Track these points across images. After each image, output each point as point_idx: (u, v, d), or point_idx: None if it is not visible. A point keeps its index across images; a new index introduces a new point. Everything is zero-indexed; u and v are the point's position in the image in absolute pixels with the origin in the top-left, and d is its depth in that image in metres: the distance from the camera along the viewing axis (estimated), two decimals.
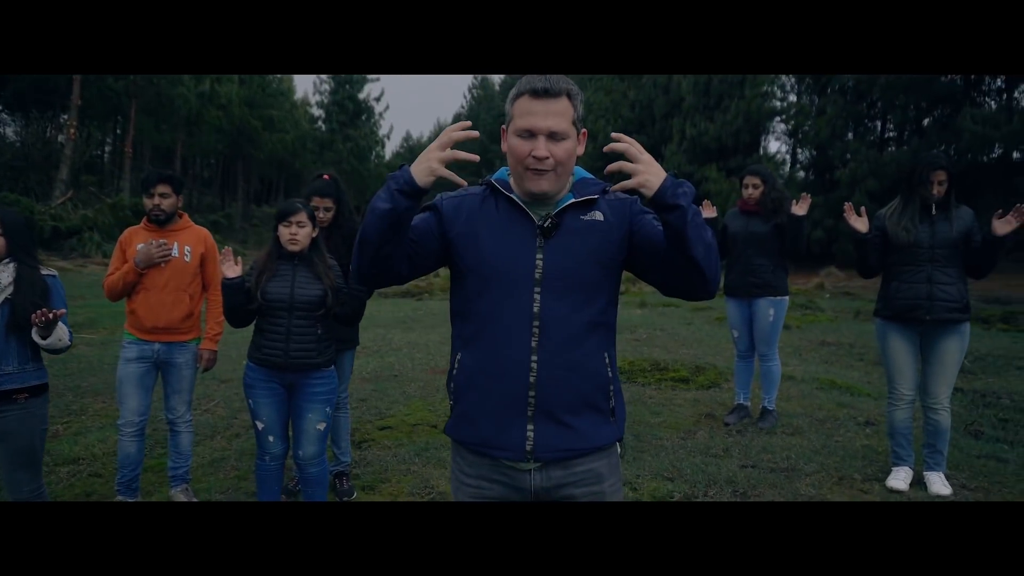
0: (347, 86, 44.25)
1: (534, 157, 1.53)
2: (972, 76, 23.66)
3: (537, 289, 1.57)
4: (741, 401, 5.09)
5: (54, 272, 2.88)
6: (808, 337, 9.66)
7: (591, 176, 1.71)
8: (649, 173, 1.43)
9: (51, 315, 2.57)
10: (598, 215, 1.62)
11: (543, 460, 1.59)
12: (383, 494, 3.80)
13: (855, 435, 4.73)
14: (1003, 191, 22.49)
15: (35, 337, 2.66)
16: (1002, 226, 3.46)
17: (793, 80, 29.63)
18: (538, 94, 1.52)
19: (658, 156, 31.21)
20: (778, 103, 29.83)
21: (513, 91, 1.59)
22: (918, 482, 3.78)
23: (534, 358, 1.56)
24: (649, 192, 1.44)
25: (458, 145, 1.49)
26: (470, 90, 57.21)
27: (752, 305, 4.90)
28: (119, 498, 3.50)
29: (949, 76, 23.61)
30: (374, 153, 46.55)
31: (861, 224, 3.78)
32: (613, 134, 1.49)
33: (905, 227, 3.64)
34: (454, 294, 1.70)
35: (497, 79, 53.76)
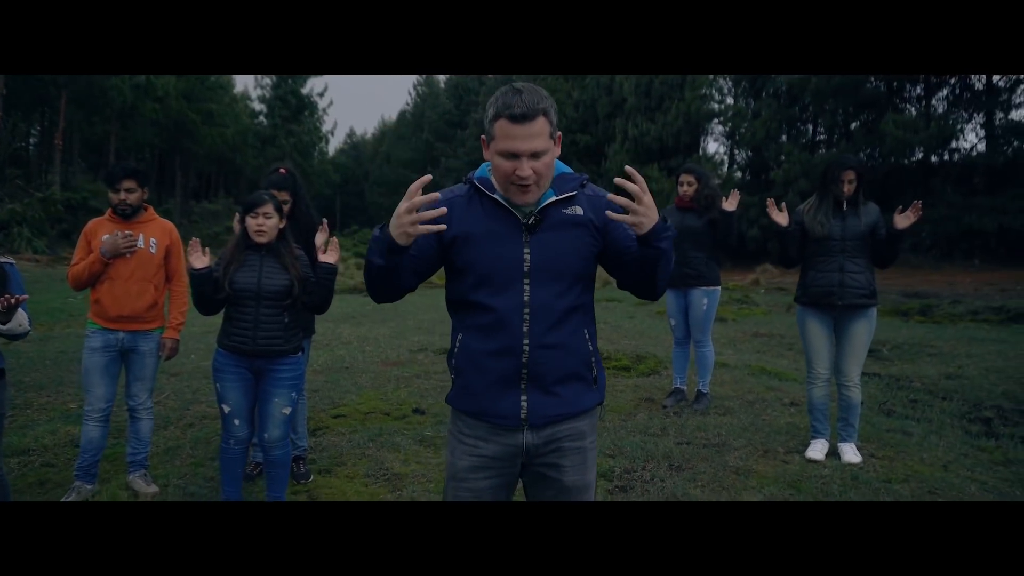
0: (289, 81, 43.53)
1: (518, 176, 1.68)
2: (895, 83, 24.97)
3: (526, 281, 1.75)
4: (678, 385, 5.45)
5: (11, 260, 2.93)
6: (743, 329, 10.17)
7: (570, 171, 1.87)
8: (646, 217, 1.64)
9: (12, 300, 2.66)
10: (578, 210, 1.79)
11: (535, 425, 1.80)
12: (339, 477, 3.96)
13: (780, 414, 5.14)
14: (923, 191, 23.88)
15: None
16: (902, 220, 3.89)
17: (730, 83, 30.66)
18: (516, 119, 1.64)
19: (601, 155, 31.89)
20: (716, 105, 30.83)
21: (491, 109, 1.70)
22: (833, 453, 4.18)
23: (525, 341, 1.74)
24: (640, 232, 1.65)
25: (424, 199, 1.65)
26: (415, 87, 56.86)
27: (687, 295, 5.26)
28: (76, 483, 3.56)
29: (873, 82, 24.87)
30: (318, 149, 45.95)
31: (782, 218, 4.15)
32: (627, 168, 1.64)
33: (820, 221, 4.03)
34: (451, 287, 1.87)
35: (442, 77, 53.69)
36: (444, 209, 1.63)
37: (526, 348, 1.75)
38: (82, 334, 3.71)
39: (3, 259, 2.86)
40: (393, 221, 1.64)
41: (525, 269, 1.75)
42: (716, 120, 31.25)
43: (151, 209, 3.70)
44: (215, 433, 4.44)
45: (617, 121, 31.41)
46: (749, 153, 30.97)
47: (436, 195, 1.68)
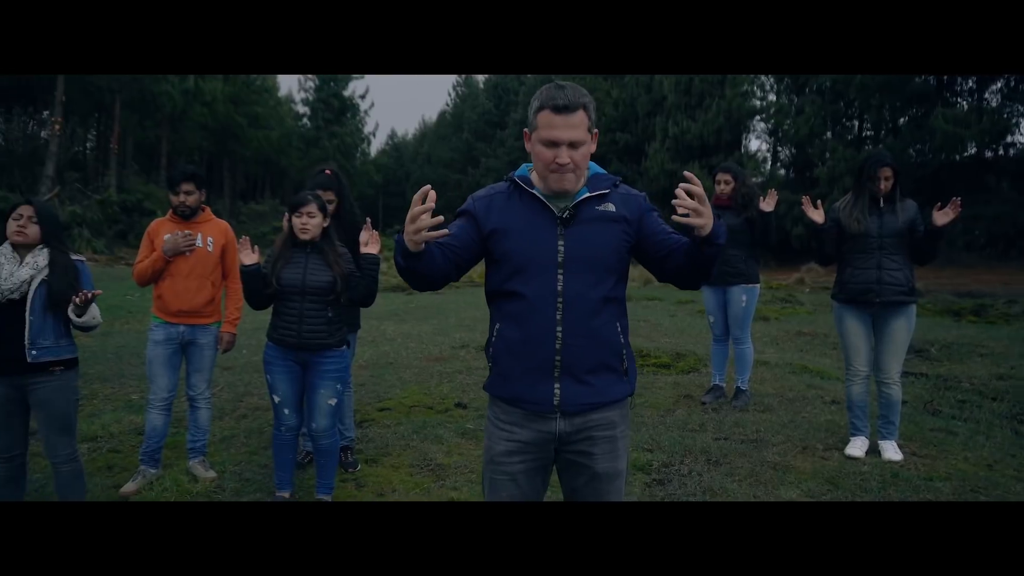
0: (332, 83, 44.29)
1: (557, 163, 1.81)
2: (945, 77, 24.29)
3: (560, 271, 1.84)
4: (717, 382, 5.49)
5: (83, 258, 3.17)
6: (786, 328, 10.07)
7: (604, 172, 1.98)
8: (707, 219, 1.72)
9: (89, 295, 2.89)
10: (610, 206, 1.90)
11: (567, 412, 1.90)
12: (385, 466, 4.12)
13: (821, 411, 5.13)
14: (975, 187, 23.18)
15: (70, 315, 2.94)
16: (941, 217, 3.86)
17: (772, 80, 30.18)
18: (559, 110, 1.79)
19: (641, 154, 31.70)
20: (758, 102, 30.38)
21: (535, 102, 1.85)
22: (874, 451, 4.18)
23: (559, 329, 1.84)
24: (702, 234, 1.73)
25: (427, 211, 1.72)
26: (454, 87, 57.27)
27: (726, 292, 5.28)
28: (142, 467, 3.79)
29: (922, 76, 24.23)
30: (359, 150, 46.66)
31: (818, 216, 4.17)
32: (687, 174, 1.75)
33: (856, 218, 4.03)
34: (490, 278, 1.97)
35: (481, 77, 53.97)
36: (441, 218, 1.72)
37: (559, 335, 1.84)
38: (140, 330, 3.95)
39: (76, 257, 3.09)
40: (405, 231, 1.77)
41: (559, 259, 1.85)
42: (758, 117, 30.79)
43: (208, 210, 3.91)
44: (267, 424, 4.64)
45: (657, 119, 31.19)
46: (792, 150, 30.45)
47: (432, 203, 1.74)
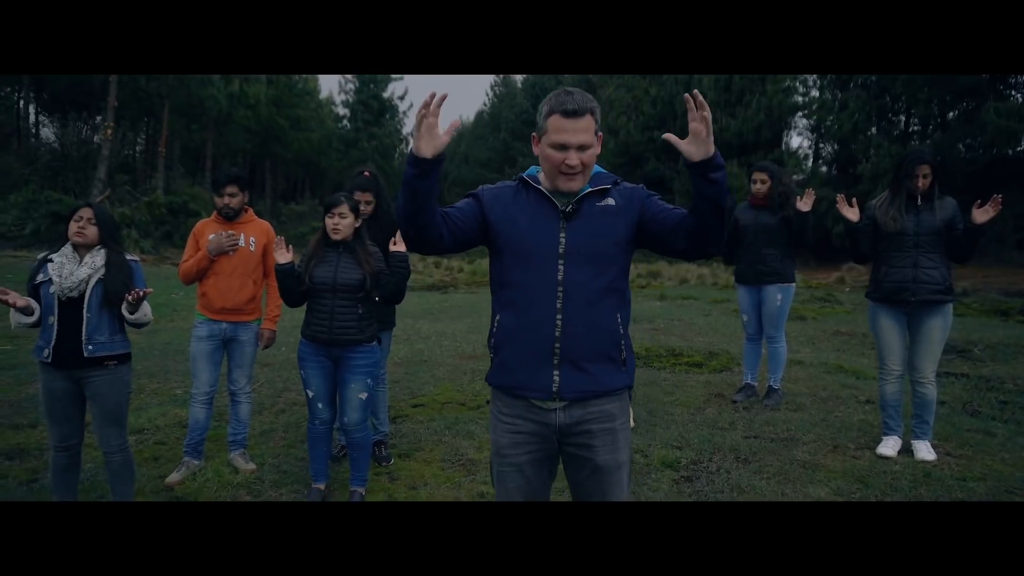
0: (371, 85, 44.82)
1: (567, 165, 1.88)
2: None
3: (561, 262, 1.91)
4: (749, 381, 5.47)
5: (136, 258, 3.34)
6: (823, 327, 9.93)
7: (604, 171, 2.04)
8: (704, 138, 1.74)
9: (141, 294, 3.04)
10: (610, 201, 1.97)
11: (566, 400, 1.95)
12: (418, 461, 4.22)
13: (854, 411, 5.08)
14: None
15: (124, 312, 3.11)
16: (981, 215, 3.80)
17: (815, 75, 29.58)
18: (568, 114, 1.86)
19: (678, 153, 31.32)
20: (800, 98, 29.81)
21: (545, 107, 1.92)
22: (907, 450, 4.13)
23: (559, 317, 1.90)
24: (693, 158, 1.75)
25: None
26: (492, 87, 57.48)
27: (761, 291, 5.26)
28: (186, 459, 3.95)
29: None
30: (398, 151, 47.10)
31: (852, 214, 4.13)
32: (695, 92, 1.73)
33: (892, 216, 3.99)
34: (493, 268, 2.05)
35: (519, 77, 54.03)
36: (458, 120, 1.81)
37: (559, 324, 1.90)
38: (185, 327, 4.11)
39: (130, 257, 3.26)
40: (414, 135, 1.83)
41: (560, 250, 1.92)
42: (800, 113, 30.21)
43: (251, 211, 4.06)
44: (304, 418, 4.77)
45: None
46: (836, 147, 29.80)
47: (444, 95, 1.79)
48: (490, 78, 57.97)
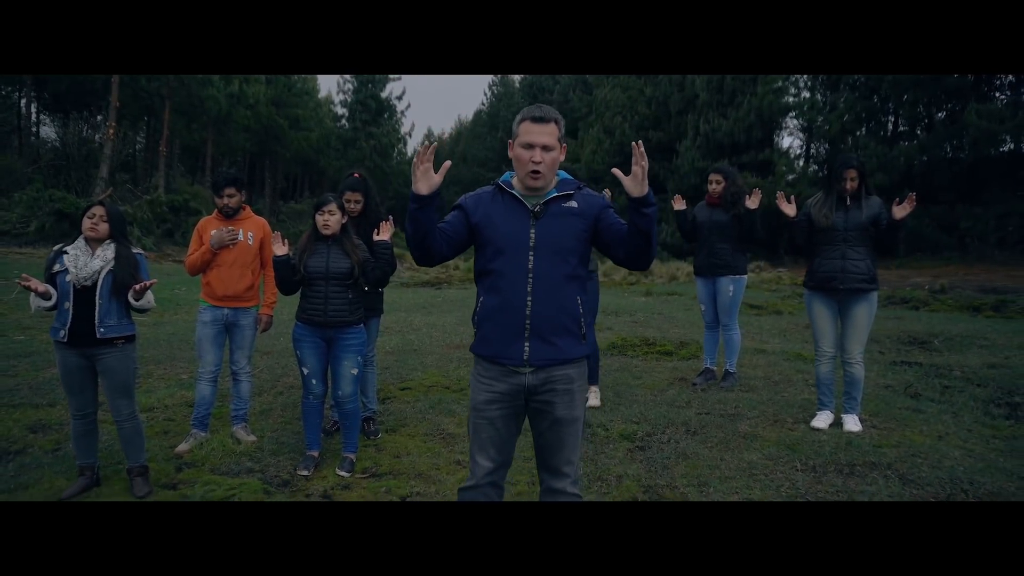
0: (370, 85, 45.16)
1: (532, 162, 2.31)
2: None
3: (531, 253, 2.33)
4: (708, 365, 5.95)
5: (141, 251, 3.81)
6: (797, 321, 10.39)
7: (570, 177, 2.47)
8: (640, 182, 2.17)
9: (148, 284, 3.52)
10: (573, 204, 2.39)
11: (535, 366, 2.36)
12: (403, 435, 4.68)
13: (800, 392, 5.57)
14: (1011, 184, 22.88)
15: (130, 299, 3.57)
16: (899, 211, 4.29)
17: (806, 76, 30.02)
18: (536, 120, 2.31)
19: (672, 153, 31.84)
20: (791, 99, 30.24)
21: (519, 116, 2.36)
22: (838, 424, 4.61)
23: (529, 299, 2.32)
24: (632, 194, 2.19)
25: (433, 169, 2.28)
26: (490, 87, 57.87)
27: (715, 283, 5.75)
28: (193, 431, 4.42)
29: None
30: (396, 150, 47.43)
31: (790, 209, 4.63)
32: (634, 143, 2.17)
33: (824, 214, 4.49)
34: (477, 259, 2.44)
35: (517, 77, 54.44)
36: (448, 163, 2.26)
37: (529, 304, 2.33)
38: (188, 320, 4.57)
39: (136, 250, 3.72)
40: (412, 178, 2.29)
41: (531, 244, 2.34)
42: (791, 114, 30.65)
43: (248, 208, 4.54)
44: (299, 399, 5.24)
45: (689, 117, 31.27)
46: (826, 147, 30.25)
47: (432, 154, 2.27)
48: (488, 78, 58.40)
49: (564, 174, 2.49)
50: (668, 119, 33.25)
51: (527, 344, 2.34)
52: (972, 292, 15.70)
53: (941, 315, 11.59)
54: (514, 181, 2.45)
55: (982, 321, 10.73)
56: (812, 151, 31.30)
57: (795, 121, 31.11)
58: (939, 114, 26.97)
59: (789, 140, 36.09)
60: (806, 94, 30.74)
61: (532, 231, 2.35)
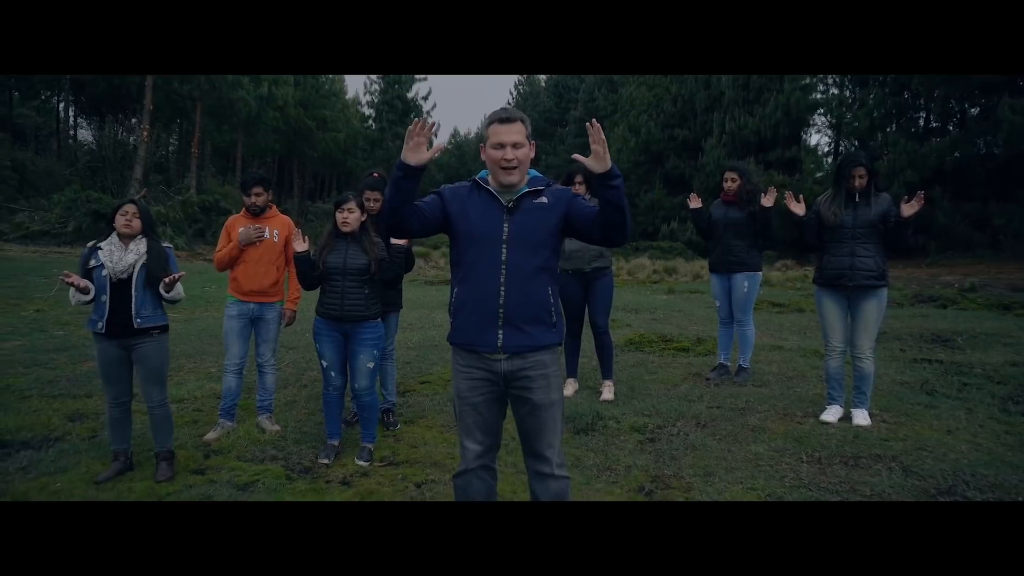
0: (396, 86, 45.71)
1: (504, 159, 2.42)
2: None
3: (504, 246, 2.44)
4: (722, 361, 6.02)
5: (171, 245, 4.02)
6: (817, 320, 10.33)
7: (540, 175, 2.59)
8: (601, 159, 2.29)
9: (176, 277, 3.72)
10: (544, 199, 2.51)
11: (509, 353, 2.49)
12: (421, 426, 4.84)
13: (813, 387, 5.62)
14: None
15: (161, 291, 3.78)
16: (907, 209, 4.33)
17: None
18: (503, 121, 2.43)
19: (698, 150, 31.70)
20: (819, 95, 29.90)
21: (486, 121, 2.49)
22: (848, 418, 4.66)
23: (502, 289, 2.43)
24: (596, 170, 2.31)
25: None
26: (516, 86, 58.11)
27: (730, 279, 5.82)
28: (220, 421, 4.62)
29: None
30: None
31: (799, 208, 4.69)
32: (589, 122, 2.29)
33: (833, 212, 4.54)
34: (452, 250, 2.56)
35: (542, 77, 54.51)
36: (443, 144, 2.38)
37: (502, 293, 2.43)
38: (218, 316, 4.78)
39: (165, 244, 3.93)
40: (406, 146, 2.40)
41: (504, 237, 2.44)
42: (819, 111, 30.31)
43: (274, 207, 4.73)
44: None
45: (715, 115, 31.10)
46: (855, 143, 29.84)
47: (430, 131, 2.38)
48: (514, 77, 58.55)
49: (534, 172, 2.61)
50: (694, 117, 33.09)
51: (500, 332, 2.44)
52: (1003, 291, 15.43)
53: (969, 313, 11.45)
54: (489, 178, 2.55)
55: (1010, 319, 10.58)
56: (841, 148, 30.85)
57: (823, 118, 30.77)
58: (972, 109, 26.45)
59: (817, 137, 35.75)
60: (834, 90, 30.39)
61: (506, 225, 2.46)
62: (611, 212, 2.40)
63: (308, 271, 4.09)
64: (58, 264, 14.42)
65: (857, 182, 4.50)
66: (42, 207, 23.54)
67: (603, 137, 2.30)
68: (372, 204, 4.58)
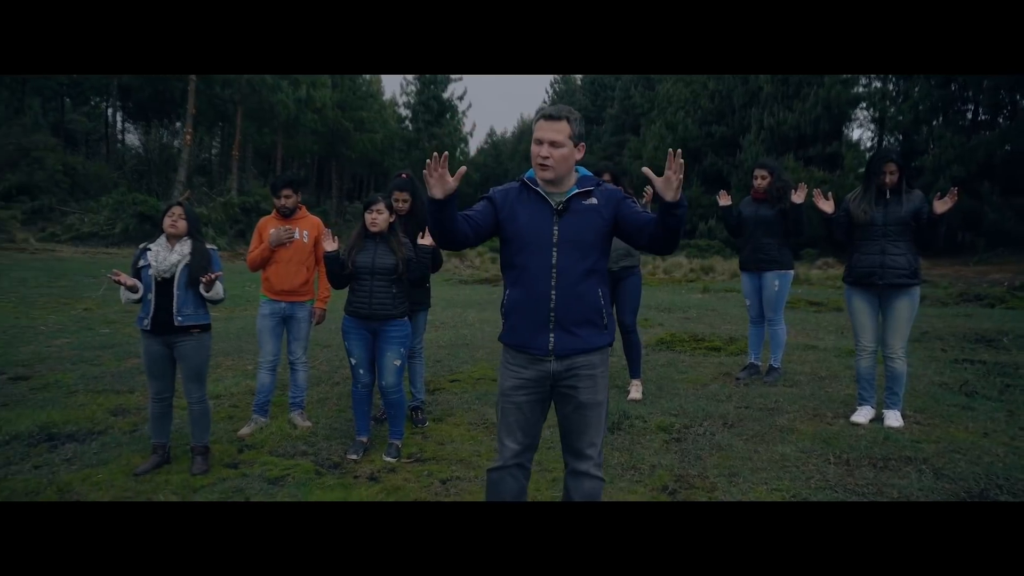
0: (432, 86, 45.99)
1: (540, 156, 2.41)
2: None
3: (554, 249, 2.43)
4: (752, 360, 5.95)
5: (215, 246, 4.14)
6: None
7: (590, 175, 2.56)
8: (672, 189, 2.22)
9: (213, 277, 3.84)
10: (594, 200, 2.48)
11: (559, 356, 2.47)
12: (449, 424, 4.90)
13: (845, 387, 5.51)
14: None
15: (201, 290, 3.91)
16: (940, 206, 4.23)
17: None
18: (547, 118, 2.41)
19: (736, 147, 31.27)
20: (861, 89, 29.19)
21: (535, 116, 2.46)
22: (880, 419, 4.57)
23: (553, 293, 2.42)
24: (665, 199, 2.24)
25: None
26: (551, 85, 57.96)
27: (761, 278, 5.75)
28: (254, 416, 4.75)
29: None
30: (458, 150, 48.05)
31: (828, 206, 4.62)
32: (671, 151, 2.22)
33: (863, 209, 4.46)
34: (503, 252, 2.55)
35: (578, 76, 54.30)
36: (463, 168, 2.39)
37: (553, 297, 2.44)
38: (256, 315, 4.91)
39: (210, 246, 4.06)
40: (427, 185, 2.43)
41: (554, 240, 2.44)
42: (861, 105, 29.58)
43: (304, 208, 4.84)
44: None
45: (753, 111, 30.62)
46: (899, 138, 29.08)
47: (444, 164, 2.33)
48: (549, 77, 58.49)
49: (584, 171, 2.58)
50: (732, 113, 32.64)
51: (552, 335, 2.45)
52: None
53: (1017, 312, 11.10)
54: (537, 178, 2.56)
55: None
56: (884, 143, 30.06)
57: (865, 112, 30.02)
58: None
59: (859, 132, 34.85)
60: (877, 84, 29.59)
61: (555, 227, 2.45)
62: (665, 234, 2.39)
63: (337, 271, 4.18)
64: (106, 264, 14.91)
65: (888, 179, 4.42)
66: (91, 209, 24.38)
67: (682, 163, 2.23)
68: (401, 205, 4.65)
